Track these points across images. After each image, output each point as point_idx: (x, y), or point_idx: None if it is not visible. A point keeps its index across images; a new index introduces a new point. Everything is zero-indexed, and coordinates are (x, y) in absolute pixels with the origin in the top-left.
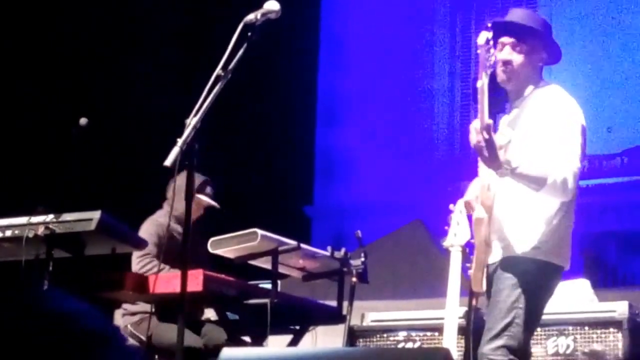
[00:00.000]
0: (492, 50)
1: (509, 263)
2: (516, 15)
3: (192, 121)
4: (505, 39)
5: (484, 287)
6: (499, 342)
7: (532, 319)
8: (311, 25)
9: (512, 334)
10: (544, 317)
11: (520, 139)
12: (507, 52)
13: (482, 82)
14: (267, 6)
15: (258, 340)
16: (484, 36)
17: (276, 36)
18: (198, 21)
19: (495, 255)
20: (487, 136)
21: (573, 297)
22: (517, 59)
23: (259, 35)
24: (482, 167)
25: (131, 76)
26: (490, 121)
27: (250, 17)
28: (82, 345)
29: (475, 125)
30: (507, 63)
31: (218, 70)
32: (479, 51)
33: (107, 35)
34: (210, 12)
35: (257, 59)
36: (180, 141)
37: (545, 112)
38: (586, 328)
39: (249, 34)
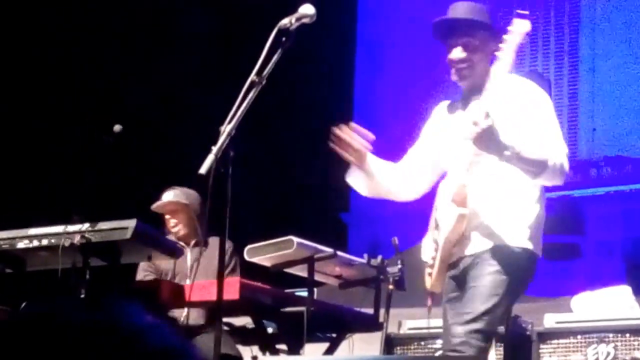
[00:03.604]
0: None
1: (498, 251)
2: (459, 10)
3: (226, 128)
4: (456, 39)
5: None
6: (477, 325)
7: (509, 305)
8: (348, 29)
9: (489, 319)
10: (584, 324)
11: (502, 128)
12: (459, 51)
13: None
14: (302, 10)
15: (294, 349)
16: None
17: (313, 41)
18: (231, 24)
19: (475, 247)
20: (490, 122)
21: (614, 304)
22: (472, 56)
23: (294, 40)
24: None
25: (164, 81)
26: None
27: (285, 21)
28: None
29: (473, 118)
30: (460, 62)
31: (252, 76)
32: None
33: (140, 38)
34: (244, 15)
35: (294, 63)
36: (215, 149)
37: (524, 100)
38: (627, 335)
39: (284, 39)
